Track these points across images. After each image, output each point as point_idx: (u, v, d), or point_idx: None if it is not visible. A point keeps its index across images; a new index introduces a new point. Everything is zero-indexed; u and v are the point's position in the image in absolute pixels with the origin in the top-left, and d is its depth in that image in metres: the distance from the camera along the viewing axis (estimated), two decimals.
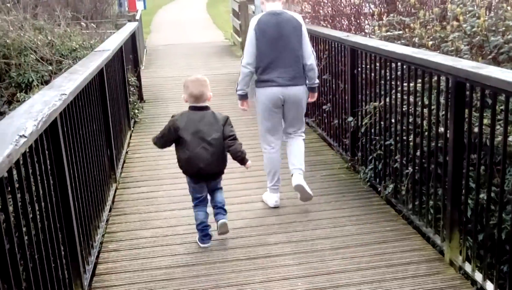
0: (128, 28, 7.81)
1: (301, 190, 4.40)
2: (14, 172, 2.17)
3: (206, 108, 3.98)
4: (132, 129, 6.86)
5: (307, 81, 4.46)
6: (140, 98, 8.26)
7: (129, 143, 6.36)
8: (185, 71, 11.03)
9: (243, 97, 4.60)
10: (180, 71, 11.05)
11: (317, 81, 4.55)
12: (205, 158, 3.79)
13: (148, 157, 5.88)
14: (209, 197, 3.99)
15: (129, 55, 7.58)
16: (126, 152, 6.00)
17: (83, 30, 9.35)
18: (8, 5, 9.75)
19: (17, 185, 2.25)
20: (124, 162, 5.69)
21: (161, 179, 5.22)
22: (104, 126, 4.65)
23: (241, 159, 3.88)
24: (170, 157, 5.74)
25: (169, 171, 5.38)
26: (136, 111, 7.36)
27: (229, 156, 3.88)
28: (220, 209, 3.93)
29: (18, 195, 2.22)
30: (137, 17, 12.19)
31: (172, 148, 4.04)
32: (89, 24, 10.12)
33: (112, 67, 5.38)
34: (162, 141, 4.12)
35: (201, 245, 3.86)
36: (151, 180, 5.20)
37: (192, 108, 4.00)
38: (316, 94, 4.69)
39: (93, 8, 12.91)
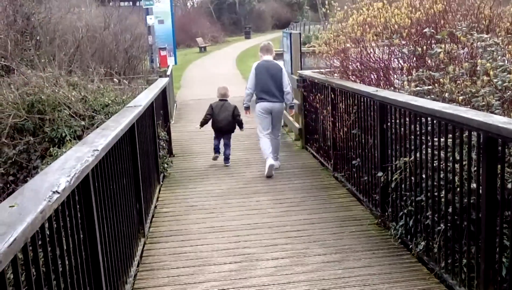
0: (159, 83, 8.00)
1: (270, 167, 7.10)
2: (46, 225, 2.20)
3: (226, 100, 8.09)
4: (161, 183, 6.92)
5: (286, 101, 7.42)
6: (170, 152, 8.36)
7: (158, 197, 6.40)
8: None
9: (247, 108, 7.68)
10: (207, 125, 11.17)
11: (295, 101, 7.93)
12: (224, 123, 7.94)
13: (177, 212, 5.89)
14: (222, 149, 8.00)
15: (160, 110, 7.72)
16: (155, 207, 6.03)
17: (115, 86, 9.61)
18: (44, 61, 10.12)
19: (48, 239, 2.27)
20: (153, 216, 5.71)
21: (189, 234, 5.20)
22: (134, 181, 4.70)
23: (240, 124, 8.05)
24: (198, 213, 5.79)
25: (197, 227, 5.38)
26: (166, 165, 7.44)
27: None
28: (227, 160, 7.94)
29: (49, 249, 2.24)
30: (168, 72, 12.49)
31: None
32: (122, 80, 10.40)
33: (143, 122, 5.48)
34: (204, 119, 8.11)
35: (213, 154, 8.01)
36: (179, 235, 5.18)
37: (219, 100, 8.11)
38: (293, 110, 8.09)
39: (126, 64, 13.29)
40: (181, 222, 5.55)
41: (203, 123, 8.07)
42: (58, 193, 2.29)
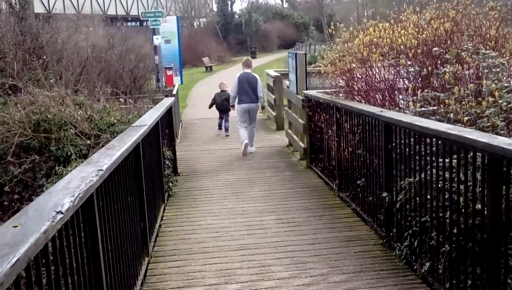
0: (165, 103, 8.04)
1: (245, 146, 9.82)
2: (49, 245, 2.20)
3: (225, 91, 12.28)
4: (166, 202, 6.92)
5: (261, 101, 10.22)
6: (175, 171, 8.37)
7: (162, 216, 6.39)
8: (219, 144, 11.21)
9: (232, 106, 10.67)
10: (215, 145, 11.23)
11: (264, 103, 10.89)
12: (223, 105, 12.11)
13: (181, 230, 5.88)
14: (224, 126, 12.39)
15: (165, 129, 7.75)
16: (160, 226, 6.02)
17: (121, 105, 9.66)
18: (51, 81, 10.20)
19: (51, 259, 2.27)
20: (157, 235, 5.70)
21: (194, 253, 5.18)
22: (138, 200, 4.70)
23: (232, 106, 10.75)
24: (202, 232, 5.78)
25: (202, 245, 5.36)
26: (171, 184, 7.45)
27: None
28: (226, 130, 12.24)
29: (52, 268, 2.24)
30: (174, 92, 12.56)
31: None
32: (127, 99, 10.46)
33: (148, 142, 5.50)
34: (210, 104, 12.83)
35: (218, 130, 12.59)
36: (183, 254, 5.17)
37: (220, 91, 12.49)
38: (264, 110, 12.28)
39: (132, 83, 13.37)
40: (185, 241, 5.54)
41: (210, 106, 12.88)
42: (62, 213, 2.29)
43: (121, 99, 10.29)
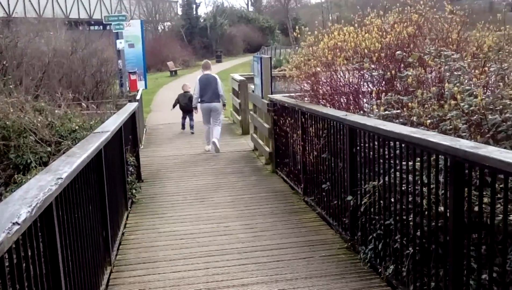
0: (128, 108, 7.92)
1: (215, 145, 10.35)
2: (6, 257, 2.12)
3: (188, 92, 13.07)
4: (129, 209, 6.79)
5: (222, 100, 10.75)
6: (139, 177, 8.25)
7: (125, 224, 6.27)
8: (184, 150, 11.11)
9: (195, 108, 11.11)
10: (179, 150, 11.12)
11: (225, 101, 11.10)
12: (186, 106, 12.71)
13: (145, 238, 5.78)
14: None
15: (129, 135, 7.63)
16: (123, 234, 5.90)
17: (83, 111, 9.48)
18: (11, 86, 9.94)
19: (7, 271, 2.18)
20: (120, 243, 5.58)
21: (157, 261, 5.10)
22: (100, 208, 4.60)
23: (194, 108, 11.22)
24: (166, 239, 5.69)
25: (166, 253, 5.28)
26: (134, 191, 7.33)
27: None
28: (191, 128, 13.03)
29: (9, 283, 2.15)
30: (138, 97, 12.39)
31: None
32: (90, 105, 10.28)
33: (110, 148, 5.39)
34: (174, 104, 13.46)
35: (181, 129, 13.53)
36: (147, 263, 5.07)
37: (184, 92, 13.27)
38: (225, 107, 11.52)
39: (94, 88, 13.15)
40: (149, 249, 5.44)
41: (174, 106, 13.54)
42: (19, 224, 2.21)
43: (83, 105, 10.10)
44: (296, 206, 6.76)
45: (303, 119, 6.79)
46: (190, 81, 15.42)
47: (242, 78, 13.36)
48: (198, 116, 11.49)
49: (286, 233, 5.74)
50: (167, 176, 8.76)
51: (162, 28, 59.02)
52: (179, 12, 61.20)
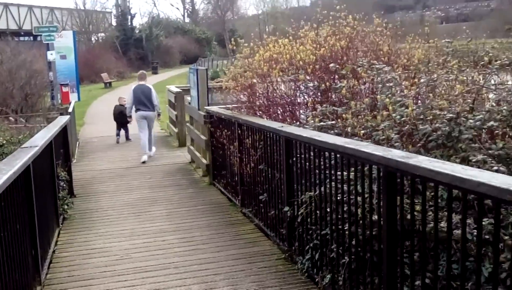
0: (59, 121, 7.66)
1: (145, 155, 10.81)
2: None
3: (122, 105, 12.98)
4: (60, 226, 6.54)
5: (157, 110, 11.06)
6: (71, 193, 7.97)
7: (57, 241, 6.03)
8: (119, 163, 10.86)
9: (130, 117, 11.54)
10: (114, 163, 10.86)
11: (160, 110, 11.31)
12: (119, 118, 13.10)
13: (77, 256, 5.57)
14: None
15: (60, 149, 7.37)
16: (53, 251, 5.67)
17: (11, 125, 9.10)
18: None
19: None
20: (50, 262, 5.35)
21: (91, 279, 4.92)
22: (29, 226, 4.39)
23: (126, 116, 11.90)
24: (100, 256, 5.52)
25: (100, 270, 5.11)
26: (66, 207, 7.07)
27: None
28: (127, 139, 13.37)
29: None
30: (70, 109, 12.01)
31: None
32: (18, 119, 9.88)
33: (39, 164, 5.17)
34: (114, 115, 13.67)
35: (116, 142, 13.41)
36: (79, 281, 4.88)
37: (119, 104, 13.39)
38: (160, 116, 11.81)
39: (23, 101, 12.66)
40: (82, 266, 5.25)
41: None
42: None
43: (11, 118, 9.68)
44: (234, 218, 6.72)
45: (239, 131, 6.77)
46: (127, 93, 15.17)
47: (178, 90, 13.24)
48: (133, 127, 11.44)
49: (224, 245, 5.69)
50: (101, 191, 8.51)
51: (96, 39, 57.81)
52: (114, 23, 60.15)
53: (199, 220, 6.69)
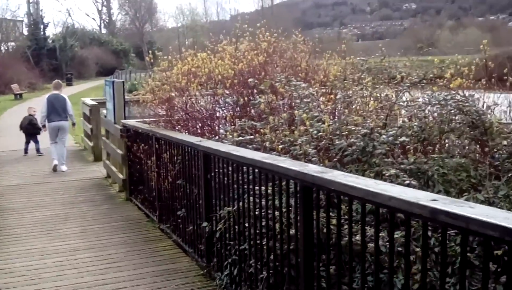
0: None
1: (55, 165, 10.71)
2: None
3: (32, 115, 12.68)
4: None
5: (70, 119, 11.08)
6: None
7: None
8: (29, 178, 10.35)
9: (44, 126, 11.25)
10: (23, 178, 10.32)
11: (74, 121, 11.65)
12: (28, 129, 12.55)
13: None
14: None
15: None
16: None
17: None
18: None
19: None
20: None
21: None
22: None
23: (38, 127, 12.03)
24: (7, 276, 5.25)
25: None
26: None
27: None
28: (38, 151, 12.65)
29: None
30: None
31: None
32: None
33: None
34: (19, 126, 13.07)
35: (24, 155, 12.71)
36: None
37: (28, 114, 12.75)
38: (75, 126, 12.17)
39: None
40: None
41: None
42: None
43: None
44: (151, 234, 6.57)
45: (157, 145, 6.66)
46: (39, 105, 14.55)
47: (94, 102, 12.87)
48: (45, 141, 11.21)
49: (140, 263, 5.54)
50: (8, 208, 8.05)
51: (6, 48, 55.22)
52: (25, 32, 57.80)
53: (115, 237, 6.49)
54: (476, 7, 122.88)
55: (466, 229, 2.13)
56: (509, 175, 4.90)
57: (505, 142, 5.19)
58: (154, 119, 7.39)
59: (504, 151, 5.15)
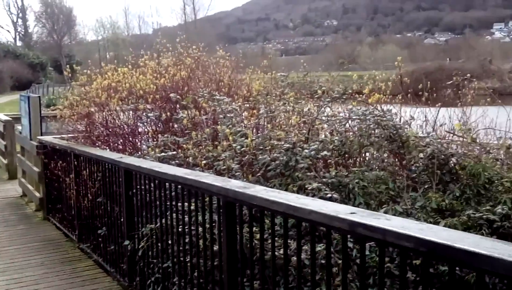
0: None
1: None
2: None
3: None
4: None
5: None
6: None
7: None
8: None
9: None
10: None
11: None
12: None
13: None
14: None
15: None
16: None
17: None
18: None
19: None
20: None
21: None
22: None
23: None
24: None
25: None
26: None
27: None
28: None
29: None
30: None
31: None
32: None
33: None
34: None
35: None
36: None
37: None
38: None
39: None
40: None
41: None
42: None
43: None
44: (71, 255, 6.33)
45: (76, 162, 6.45)
46: None
47: (8, 118, 12.30)
48: None
49: (60, 285, 5.32)
50: None
51: None
52: None
53: (32, 258, 6.19)
54: (394, 25, 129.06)
55: (383, 241, 2.19)
56: (426, 186, 5.13)
57: (421, 155, 5.42)
58: (72, 135, 7.16)
59: (420, 163, 5.38)
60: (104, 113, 6.88)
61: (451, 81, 7.24)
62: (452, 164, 5.29)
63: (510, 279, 1.75)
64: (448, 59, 55.55)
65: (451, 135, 6.66)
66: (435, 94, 7.45)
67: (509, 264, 1.70)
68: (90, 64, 7.77)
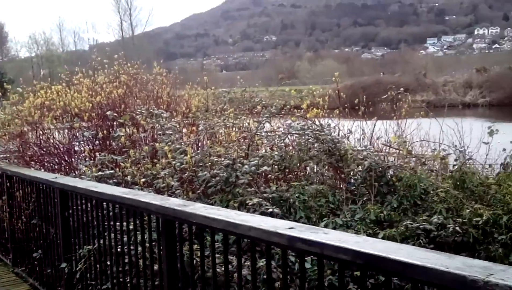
0: None
1: None
2: None
3: None
4: None
5: None
6: None
7: None
8: None
9: None
10: None
11: None
12: None
13: None
14: None
15: None
16: None
17: None
18: None
19: None
20: None
21: None
22: None
23: None
24: None
25: None
26: None
27: None
28: None
29: None
30: None
31: None
32: None
33: None
34: None
35: None
36: None
37: None
38: None
39: None
40: None
41: None
42: None
43: None
44: (5, 279, 6.07)
45: (8, 183, 6.21)
46: None
47: None
48: None
49: None
50: None
51: None
52: None
53: None
54: (332, 40, 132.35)
55: (321, 255, 2.21)
56: (364, 199, 5.25)
57: (359, 168, 5.55)
58: (4, 155, 6.91)
59: (358, 176, 5.50)
60: (37, 132, 6.68)
61: (386, 95, 7.48)
62: (389, 176, 5.44)
63: (444, 288, 1.80)
64: (381, 73, 57.26)
65: (388, 147, 6.87)
66: (371, 108, 7.68)
67: (442, 273, 1.75)
68: (23, 82, 7.54)
